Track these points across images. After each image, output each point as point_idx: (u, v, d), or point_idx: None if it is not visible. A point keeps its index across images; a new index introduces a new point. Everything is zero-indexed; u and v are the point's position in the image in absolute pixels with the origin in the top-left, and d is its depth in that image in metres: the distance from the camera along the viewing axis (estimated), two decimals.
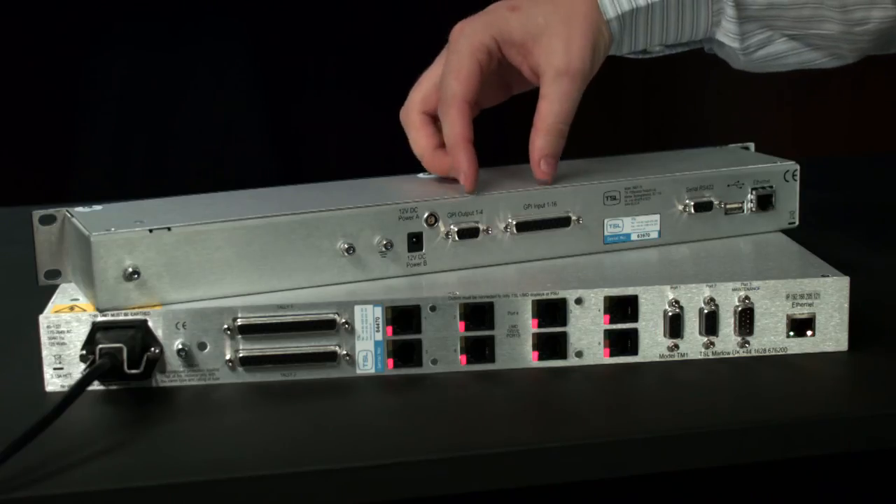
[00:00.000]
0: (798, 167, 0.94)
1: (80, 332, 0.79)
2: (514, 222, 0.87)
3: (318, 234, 0.83)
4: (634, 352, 0.83)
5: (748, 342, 0.83)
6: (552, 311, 0.82)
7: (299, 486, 0.71)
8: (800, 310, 0.83)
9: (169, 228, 0.80)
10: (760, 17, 0.89)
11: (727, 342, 0.83)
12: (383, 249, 0.85)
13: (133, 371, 0.79)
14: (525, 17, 0.86)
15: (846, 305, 0.83)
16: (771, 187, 0.94)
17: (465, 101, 0.86)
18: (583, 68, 0.86)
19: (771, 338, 0.84)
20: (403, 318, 0.81)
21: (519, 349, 0.82)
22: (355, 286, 0.84)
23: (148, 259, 0.80)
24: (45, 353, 0.80)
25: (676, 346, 0.83)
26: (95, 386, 0.80)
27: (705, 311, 0.83)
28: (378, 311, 0.81)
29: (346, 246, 0.84)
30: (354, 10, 1.89)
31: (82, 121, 1.88)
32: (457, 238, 0.86)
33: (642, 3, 0.88)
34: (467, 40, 0.87)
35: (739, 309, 0.83)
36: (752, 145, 1.00)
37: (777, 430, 0.75)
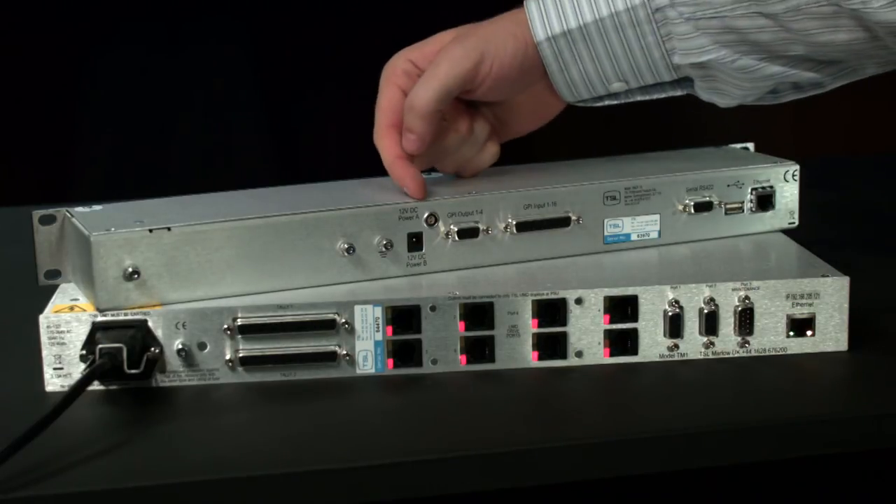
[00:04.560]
0: (798, 167, 0.94)
1: (80, 332, 0.79)
2: (514, 222, 0.87)
3: (318, 234, 0.83)
4: (634, 352, 0.83)
5: (748, 342, 0.83)
6: (552, 311, 0.82)
7: (299, 486, 0.71)
8: (800, 310, 0.83)
9: (169, 228, 0.80)
10: (718, 40, 0.86)
11: (727, 342, 0.83)
12: (383, 249, 0.85)
13: (133, 371, 0.78)
14: (445, 33, 0.90)
15: (846, 305, 0.83)
16: (771, 187, 0.94)
17: (388, 127, 0.88)
18: (448, 71, 0.86)
19: (771, 338, 0.84)
20: (403, 318, 0.81)
21: (519, 349, 0.82)
22: (355, 286, 0.84)
23: (148, 259, 0.80)
24: (45, 353, 0.80)
25: (676, 346, 0.83)
26: (95, 386, 0.80)
27: (705, 311, 0.83)
28: (378, 311, 0.81)
29: (346, 246, 0.84)
30: (354, 10, 1.88)
31: (82, 121, 1.88)
32: (457, 238, 0.86)
33: (573, 24, 0.86)
34: (384, 71, 0.90)
35: (739, 309, 0.83)
36: (751, 145, 1.00)
37: (777, 430, 0.75)
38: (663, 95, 0.91)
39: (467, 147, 0.91)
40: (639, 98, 0.90)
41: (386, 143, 0.88)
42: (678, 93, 0.90)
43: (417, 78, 0.87)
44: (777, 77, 0.87)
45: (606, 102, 0.91)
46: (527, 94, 0.91)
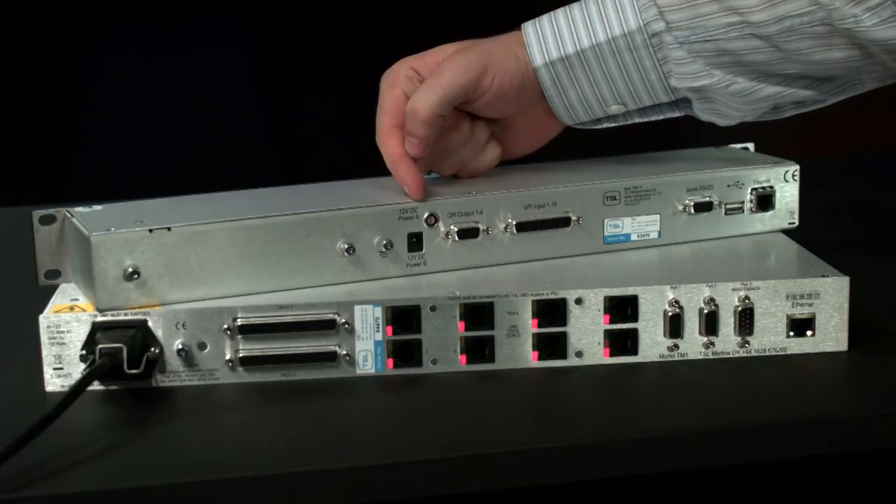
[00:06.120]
0: (798, 167, 0.94)
1: (80, 332, 0.79)
2: (514, 222, 0.87)
3: (318, 234, 0.83)
4: (634, 352, 0.83)
5: (748, 342, 0.83)
6: (552, 311, 0.82)
7: (299, 486, 0.71)
8: (800, 310, 0.83)
9: (169, 228, 0.80)
10: (712, 62, 0.87)
11: (727, 342, 0.83)
12: (383, 249, 0.85)
13: (133, 371, 0.79)
14: (447, 46, 0.90)
15: (846, 305, 0.83)
16: (771, 187, 0.94)
17: (392, 127, 0.88)
18: (452, 78, 0.87)
19: (771, 338, 0.84)
20: (403, 318, 0.81)
21: (519, 349, 0.82)
22: (355, 286, 0.84)
23: (148, 259, 0.80)
24: (45, 353, 0.80)
25: (676, 346, 0.83)
26: (95, 386, 0.80)
27: (705, 311, 0.83)
28: (378, 311, 0.81)
29: (346, 246, 0.84)
30: (354, 10, 1.88)
31: (82, 121, 1.88)
32: (457, 238, 0.86)
33: (571, 49, 0.87)
34: (386, 76, 0.90)
35: (739, 309, 0.83)
36: (751, 145, 1.00)
37: (777, 430, 0.75)
38: (661, 117, 0.91)
39: (468, 148, 0.91)
40: (637, 120, 0.91)
41: (390, 142, 0.88)
42: (676, 114, 0.91)
43: (419, 84, 0.88)
44: (773, 98, 0.88)
45: (605, 125, 0.92)
46: (524, 116, 0.91)
